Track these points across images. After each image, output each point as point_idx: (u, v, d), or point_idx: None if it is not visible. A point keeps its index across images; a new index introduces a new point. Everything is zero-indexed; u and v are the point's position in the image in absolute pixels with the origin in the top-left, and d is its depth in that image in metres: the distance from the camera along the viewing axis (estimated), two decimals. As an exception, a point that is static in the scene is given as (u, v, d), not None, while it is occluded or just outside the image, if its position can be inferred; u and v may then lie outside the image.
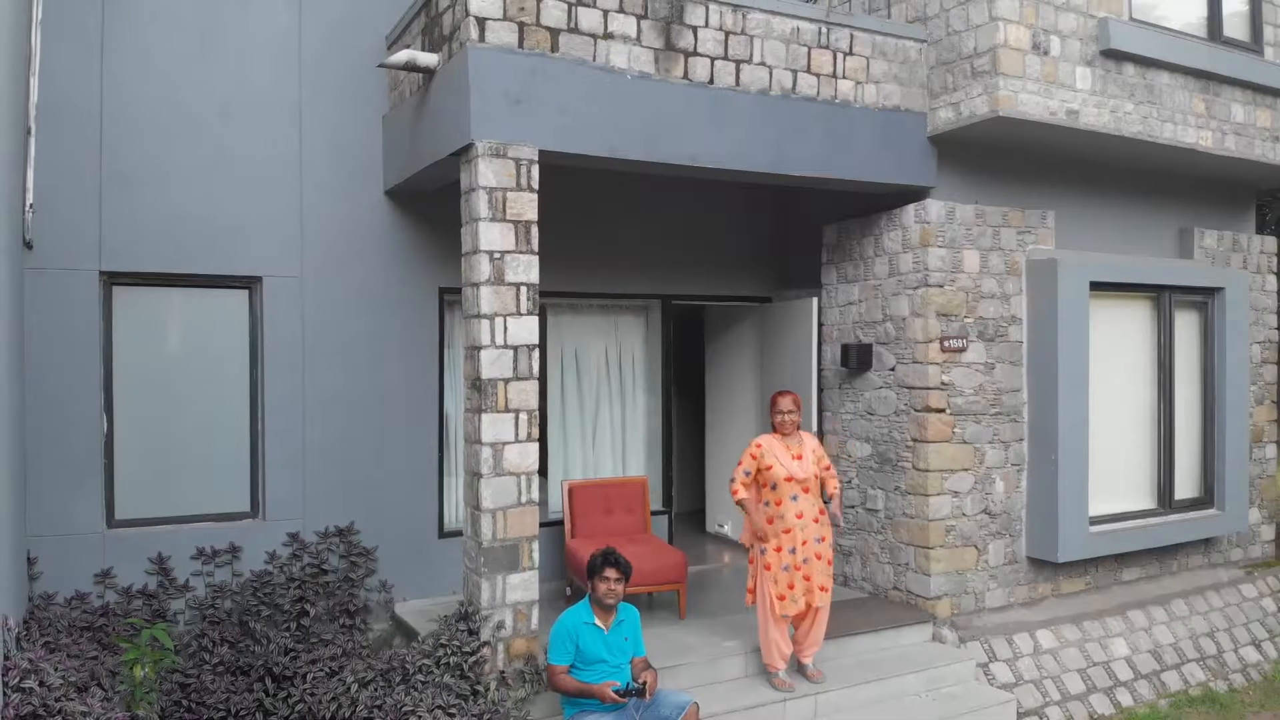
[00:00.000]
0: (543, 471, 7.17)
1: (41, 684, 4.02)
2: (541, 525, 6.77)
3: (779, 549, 5.26)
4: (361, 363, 6.24)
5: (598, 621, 4.70)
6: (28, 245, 5.32)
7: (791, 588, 5.22)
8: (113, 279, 5.76)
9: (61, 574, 5.56)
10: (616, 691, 4.46)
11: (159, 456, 5.89)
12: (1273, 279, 8.16)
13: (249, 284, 6.04)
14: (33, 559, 5.50)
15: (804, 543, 5.25)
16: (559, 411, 7.29)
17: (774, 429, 5.41)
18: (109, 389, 5.75)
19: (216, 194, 5.91)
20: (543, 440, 7.17)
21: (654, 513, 7.23)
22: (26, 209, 5.19)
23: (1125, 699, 6.37)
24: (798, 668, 5.50)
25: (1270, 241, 8.23)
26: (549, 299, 7.03)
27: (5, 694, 3.83)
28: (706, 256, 7.58)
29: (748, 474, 5.33)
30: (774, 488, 5.30)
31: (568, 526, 6.60)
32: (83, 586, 5.61)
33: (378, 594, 6.19)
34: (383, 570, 6.22)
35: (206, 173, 5.89)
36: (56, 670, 4.17)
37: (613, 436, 7.50)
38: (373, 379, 6.27)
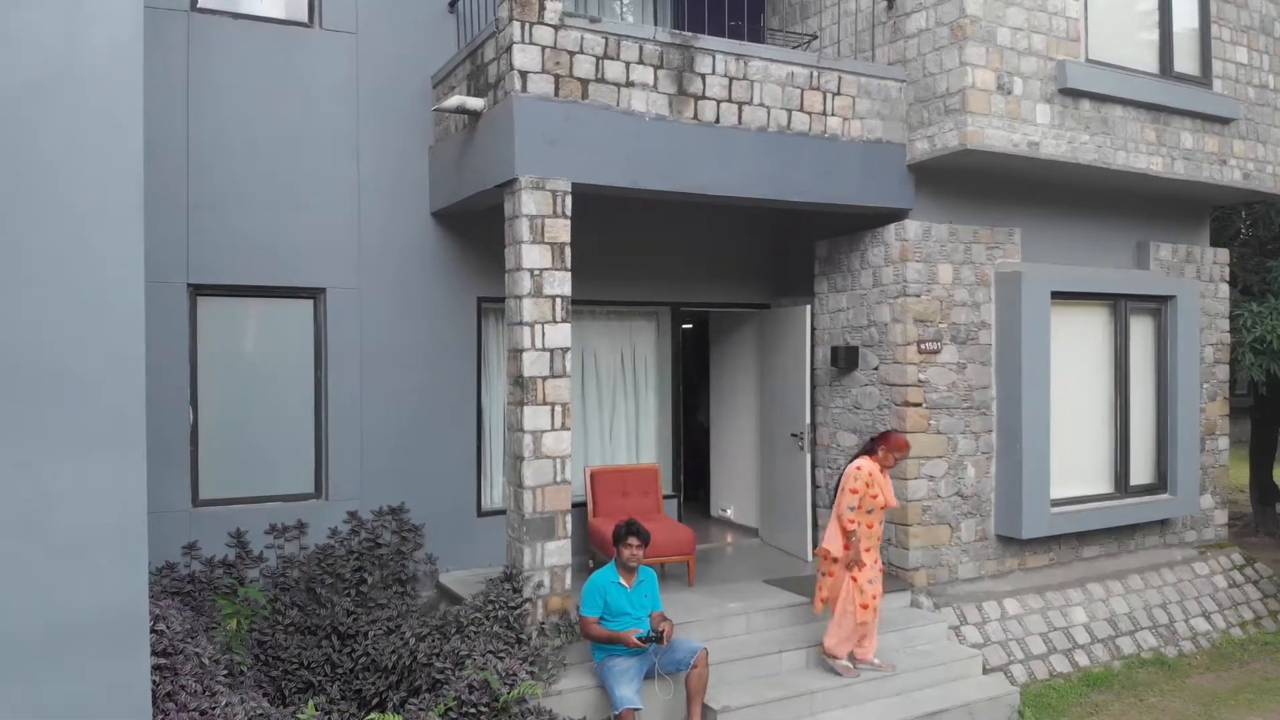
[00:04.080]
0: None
1: (168, 628, 4.90)
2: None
3: (864, 565, 5.91)
4: (410, 363, 7.11)
5: (622, 581, 5.58)
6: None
7: (875, 598, 5.94)
8: (198, 290, 6.63)
9: (154, 546, 6.35)
10: (639, 637, 5.34)
11: (237, 444, 6.76)
12: (1225, 287, 9.01)
13: (314, 294, 6.91)
14: (130, 533, 6.36)
15: (876, 560, 6.03)
16: (579, 406, 8.14)
17: (875, 457, 5.95)
18: (194, 386, 6.62)
19: (286, 216, 6.78)
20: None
21: (665, 496, 8.10)
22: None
23: (1082, 660, 7.23)
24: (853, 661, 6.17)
25: (1223, 253, 9.07)
26: (572, 306, 7.89)
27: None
28: (712, 268, 8.43)
29: (860, 503, 5.87)
30: (869, 512, 5.93)
31: (590, 506, 7.46)
32: (172, 557, 6.48)
33: (424, 565, 7.05)
34: (429, 545, 7.08)
35: (278, 197, 6.76)
36: (177, 619, 5.06)
37: (627, 428, 8.36)
38: (420, 378, 7.14)
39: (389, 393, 7.04)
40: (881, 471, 5.96)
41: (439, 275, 7.21)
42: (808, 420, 7.77)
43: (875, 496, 5.88)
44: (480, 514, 7.36)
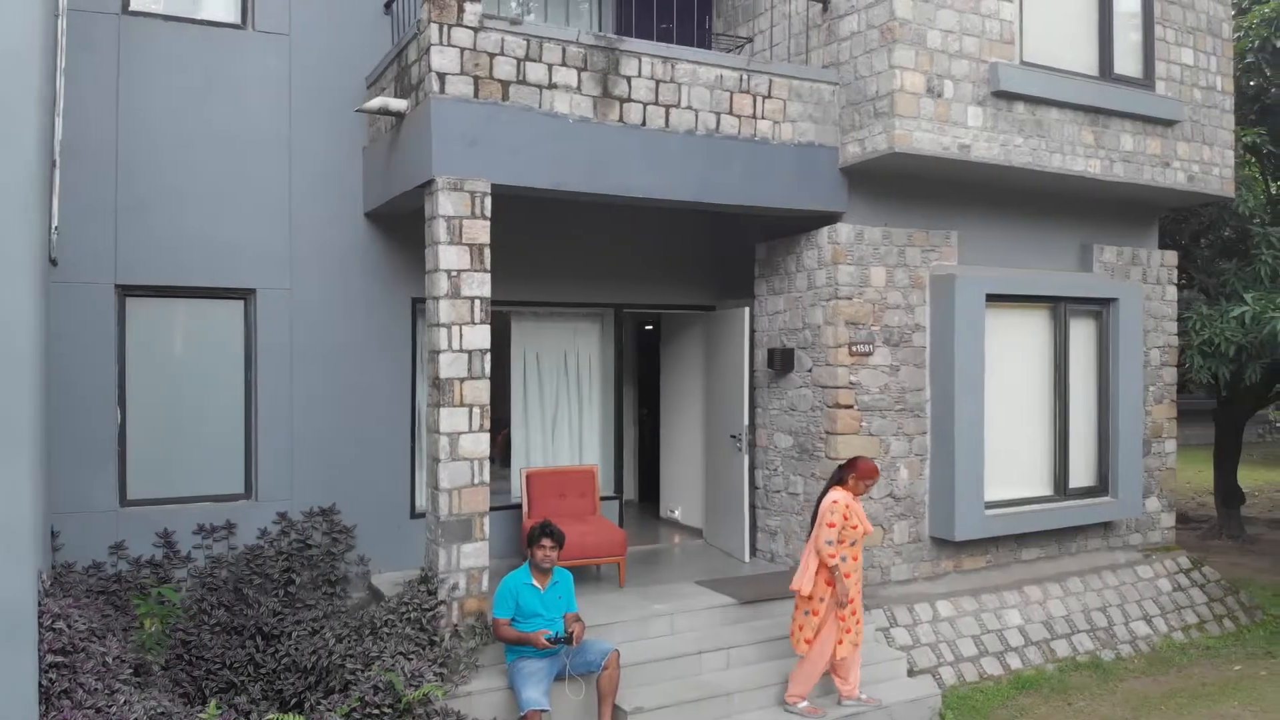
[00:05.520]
0: (506, 462, 8.10)
1: (69, 627, 4.90)
2: (504, 508, 7.73)
3: (852, 599, 5.73)
4: (343, 364, 7.12)
5: (535, 582, 5.58)
6: (53, 262, 6.18)
7: (851, 631, 5.77)
8: (126, 291, 6.64)
9: (81, 546, 6.43)
10: (547, 639, 5.34)
11: (165, 444, 6.77)
12: (1173, 289, 9.00)
13: (244, 295, 6.92)
14: (56, 533, 6.36)
15: (859, 590, 5.86)
16: (521, 408, 8.15)
17: (846, 487, 5.78)
18: (122, 385, 6.63)
19: (217, 217, 6.79)
20: (507, 434, 8.08)
21: (606, 498, 8.11)
22: (52, 231, 6.07)
23: (1015, 662, 7.22)
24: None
25: (1171, 255, 9.06)
26: (513, 307, 7.92)
27: (40, 633, 4.70)
28: (656, 269, 8.44)
29: (840, 535, 5.67)
30: (852, 544, 5.72)
31: (525, 509, 7.47)
32: (99, 557, 6.48)
33: (356, 567, 7.05)
34: (361, 546, 7.09)
35: (208, 198, 6.77)
36: (80, 618, 5.06)
37: (570, 430, 8.36)
38: (353, 378, 7.15)
39: (321, 394, 7.04)
40: (854, 500, 5.80)
41: (372, 276, 7.22)
42: (745, 421, 7.77)
43: (855, 527, 5.71)
44: (414, 515, 7.36)
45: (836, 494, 5.77)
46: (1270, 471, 18.26)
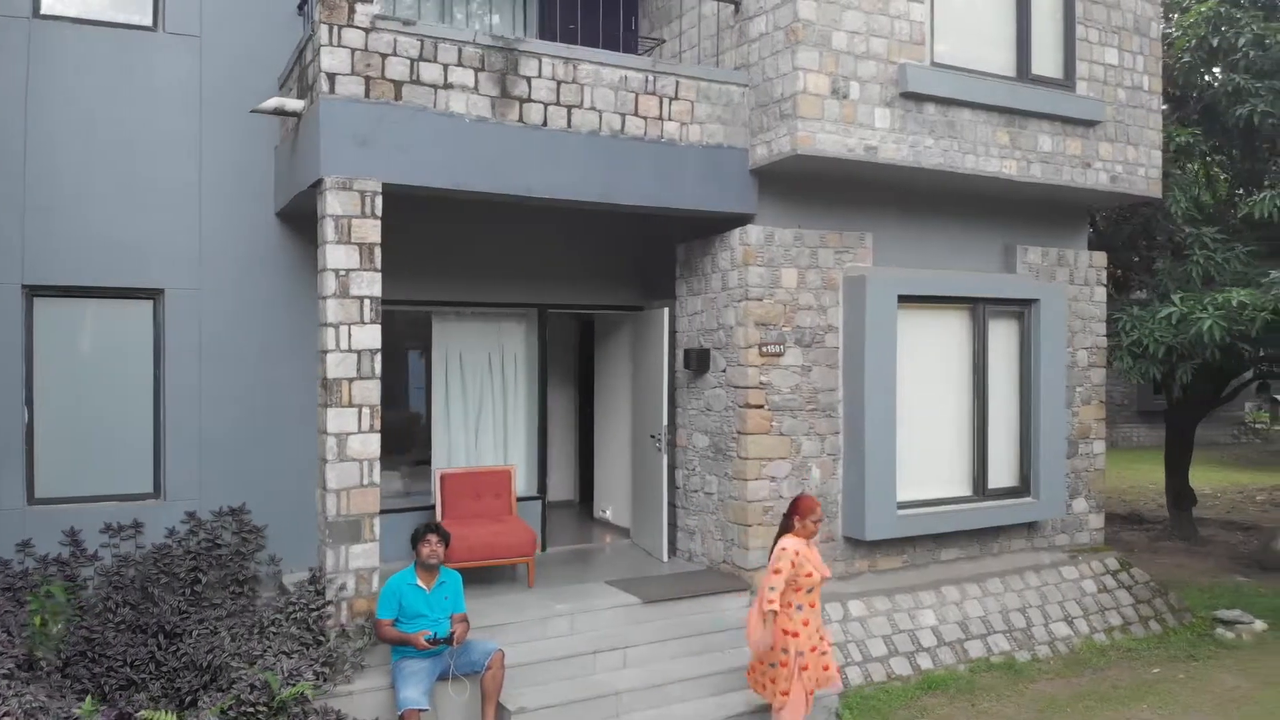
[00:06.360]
0: (427, 462, 8.11)
1: (-53, 623, 4.94)
2: (419, 509, 7.73)
3: (814, 649, 5.52)
4: (253, 363, 7.14)
5: (420, 583, 5.61)
6: (-43, 263, 6.24)
7: (816, 682, 5.59)
8: (34, 291, 6.67)
9: (-14, 543, 6.47)
10: (427, 639, 5.37)
11: (73, 444, 6.79)
12: (1101, 290, 9.00)
13: (153, 295, 6.95)
14: (-39, 531, 6.40)
15: (821, 638, 5.66)
16: (443, 409, 8.16)
17: (795, 531, 5.56)
18: (30, 385, 6.66)
19: (125, 217, 6.82)
20: (427, 435, 8.10)
21: (527, 499, 8.12)
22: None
23: (925, 663, 7.22)
24: None
25: (1100, 256, 9.06)
26: (434, 307, 7.95)
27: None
28: (585, 269, 8.44)
29: (784, 584, 5.40)
30: (809, 591, 5.49)
31: (439, 510, 7.48)
32: (5, 554, 6.50)
33: (267, 566, 7.07)
34: (272, 545, 7.10)
35: (117, 199, 6.80)
36: (-39, 614, 5.09)
37: (494, 431, 8.38)
38: (263, 378, 7.16)
39: (230, 393, 7.07)
40: (808, 545, 5.62)
41: (284, 276, 7.24)
42: (664, 422, 7.79)
43: (809, 575, 5.49)
44: (327, 514, 7.38)
45: (786, 541, 5.57)
46: (1238, 473, 18.25)
